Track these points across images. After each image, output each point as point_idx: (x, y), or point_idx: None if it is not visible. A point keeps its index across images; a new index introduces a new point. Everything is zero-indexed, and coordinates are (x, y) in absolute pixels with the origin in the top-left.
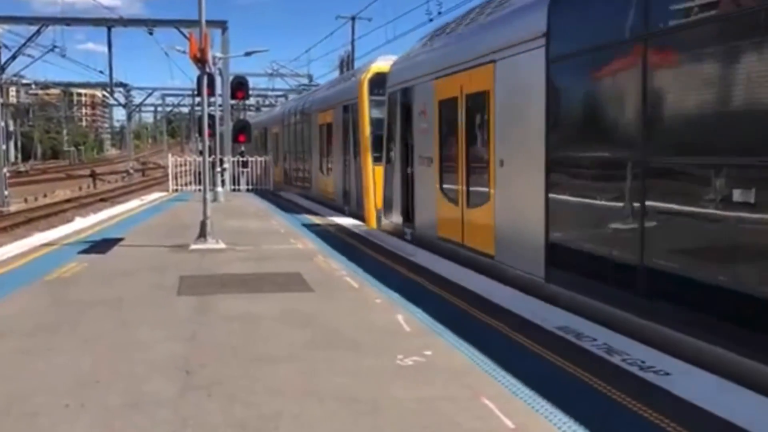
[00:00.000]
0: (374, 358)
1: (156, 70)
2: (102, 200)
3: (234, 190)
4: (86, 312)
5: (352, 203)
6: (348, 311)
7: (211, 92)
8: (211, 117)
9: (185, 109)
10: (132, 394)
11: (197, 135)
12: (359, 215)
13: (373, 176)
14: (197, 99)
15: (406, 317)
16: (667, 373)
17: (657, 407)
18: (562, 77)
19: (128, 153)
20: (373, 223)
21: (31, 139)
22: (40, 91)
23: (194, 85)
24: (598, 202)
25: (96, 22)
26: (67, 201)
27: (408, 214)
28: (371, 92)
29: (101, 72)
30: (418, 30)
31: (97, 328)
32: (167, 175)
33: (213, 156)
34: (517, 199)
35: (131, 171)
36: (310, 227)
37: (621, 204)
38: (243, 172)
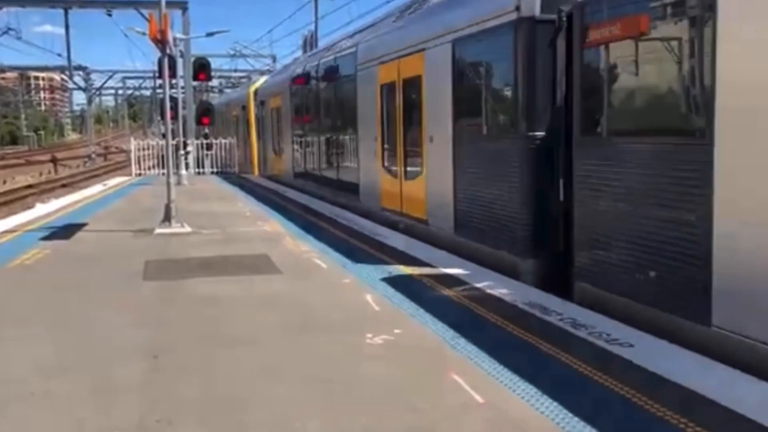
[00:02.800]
0: (344, 338)
1: (116, 52)
2: (64, 186)
3: (198, 173)
4: (50, 299)
5: (247, 164)
6: (317, 292)
7: (173, 74)
8: (173, 99)
9: (147, 92)
10: (99, 380)
11: (159, 118)
12: (250, 171)
13: (256, 149)
14: (159, 81)
15: (374, 297)
16: (631, 345)
17: (620, 377)
18: (293, 103)
19: (89, 137)
20: (256, 173)
21: None
22: None
23: (155, 68)
24: (297, 153)
25: (52, 3)
26: (28, 187)
27: (264, 166)
28: (255, 98)
29: (59, 55)
30: (379, 9)
31: (62, 315)
32: (130, 159)
33: (176, 139)
34: (287, 154)
35: (93, 156)
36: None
37: (298, 153)
38: (207, 154)
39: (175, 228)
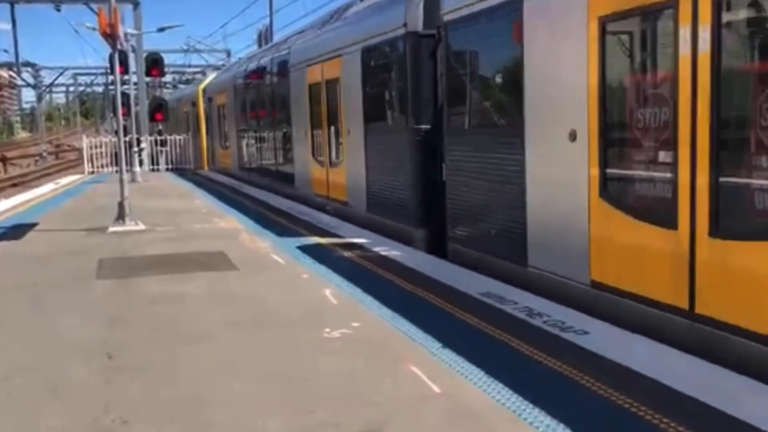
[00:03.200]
0: (302, 333)
1: (66, 48)
2: (14, 185)
3: (153, 170)
4: (0, 300)
5: (197, 160)
6: (274, 288)
7: (124, 70)
8: (126, 96)
9: (99, 89)
10: (52, 381)
11: (112, 115)
12: (200, 166)
13: (205, 144)
14: (111, 78)
15: (333, 291)
16: (586, 332)
17: (575, 363)
18: (237, 100)
19: (40, 136)
20: (206, 168)
21: None
22: None
23: (107, 64)
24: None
25: None
26: None
27: (213, 161)
28: (203, 95)
29: (6, 51)
30: (332, 4)
31: (13, 315)
32: (82, 157)
33: (129, 136)
34: (233, 148)
35: (44, 154)
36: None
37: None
38: (161, 151)
39: (129, 226)
